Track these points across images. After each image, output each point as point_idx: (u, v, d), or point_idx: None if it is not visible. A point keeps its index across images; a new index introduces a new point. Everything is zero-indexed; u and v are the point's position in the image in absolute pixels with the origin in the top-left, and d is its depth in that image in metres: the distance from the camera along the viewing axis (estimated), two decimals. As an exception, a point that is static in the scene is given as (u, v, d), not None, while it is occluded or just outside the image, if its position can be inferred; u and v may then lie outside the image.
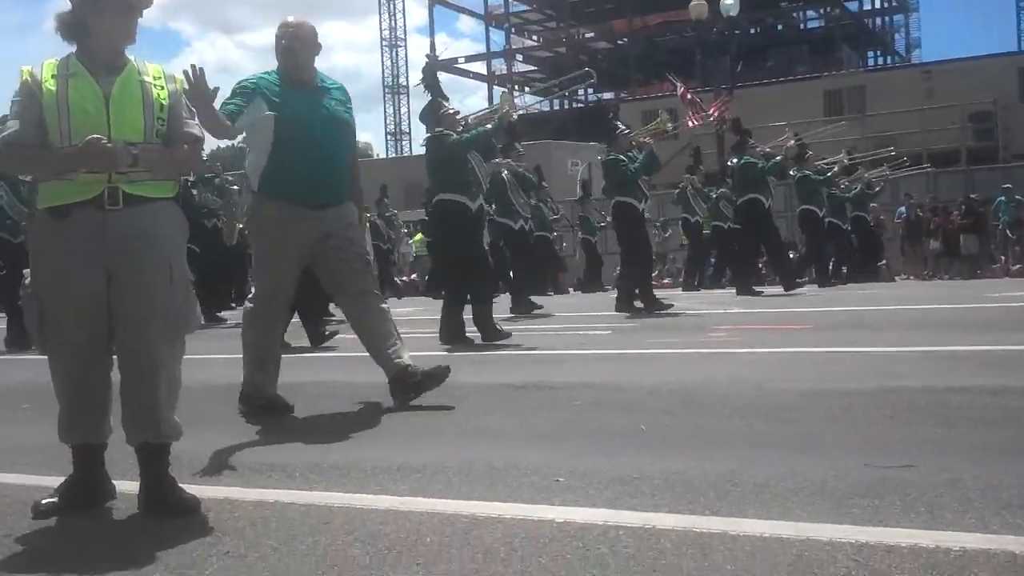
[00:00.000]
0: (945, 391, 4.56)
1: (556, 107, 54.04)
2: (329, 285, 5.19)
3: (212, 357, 7.60)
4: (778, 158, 14.33)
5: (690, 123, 22.68)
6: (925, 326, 6.56)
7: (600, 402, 4.87)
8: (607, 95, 54.22)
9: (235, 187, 12.72)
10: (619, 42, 52.70)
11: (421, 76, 8.85)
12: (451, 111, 8.41)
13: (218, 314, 12.19)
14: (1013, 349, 5.86)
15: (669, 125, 11.86)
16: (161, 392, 3.19)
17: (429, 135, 8.44)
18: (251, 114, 4.82)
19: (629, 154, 10.95)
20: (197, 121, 3.41)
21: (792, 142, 15.86)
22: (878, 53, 53.63)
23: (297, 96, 4.94)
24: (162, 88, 3.27)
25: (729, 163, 15.39)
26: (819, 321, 7.01)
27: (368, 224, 17.80)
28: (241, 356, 5.15)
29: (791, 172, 15.44)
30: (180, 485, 3.29)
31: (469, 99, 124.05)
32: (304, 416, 5.15)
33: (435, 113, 8.40)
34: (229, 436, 4.54)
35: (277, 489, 3.46)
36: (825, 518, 2.81)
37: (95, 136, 3.03)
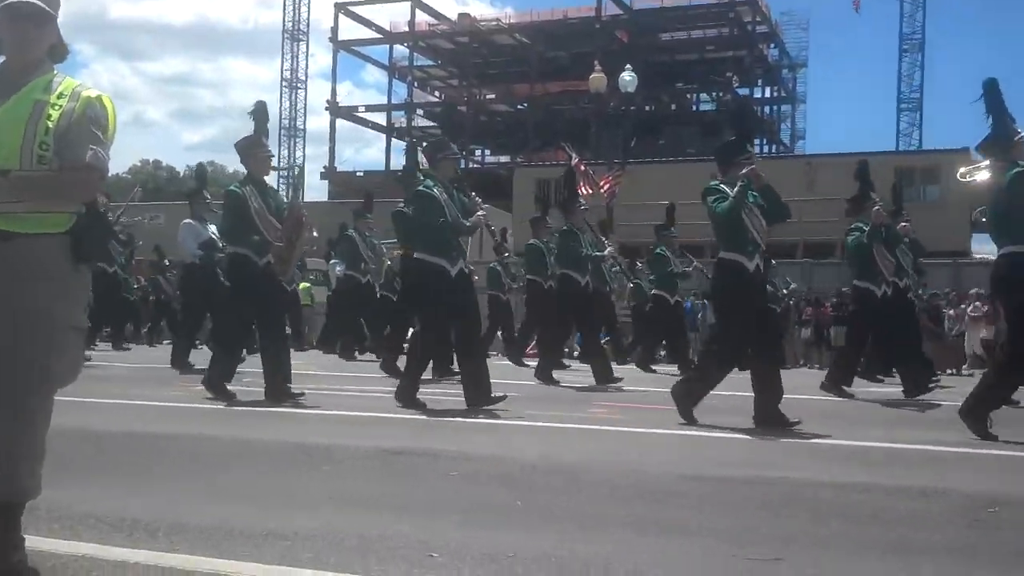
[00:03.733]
0: (816, 484, 4.67)
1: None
2: None
3: (85, 400, 7.32)
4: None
5: (580, 190, 23.24)
6: (797, 415, 6.74)
7: (478, 474, 4.84)
8: (503, 158, 54.99)
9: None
10: (519, 107, 53.62)
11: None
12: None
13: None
14: (879, 446, 6.07)
15: None
16: (13, 449, 2.92)
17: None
18: None
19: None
20: (98, 147, 3.03)
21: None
22: (764, 140, 55.85)
23: None
24: (57, 108, 2.97)
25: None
26: (701, 404, 7.16)
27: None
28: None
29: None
30: (35, 538, 3.13)
31: (367, 149, 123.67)
32: (169, 471, 4.99)
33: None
34: (92, 487, 4.36)
35: (138, 549, 3.31)
36: (694, 609, 2.84)
37: None
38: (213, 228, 11.89)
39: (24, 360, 2.89)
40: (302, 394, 8.07)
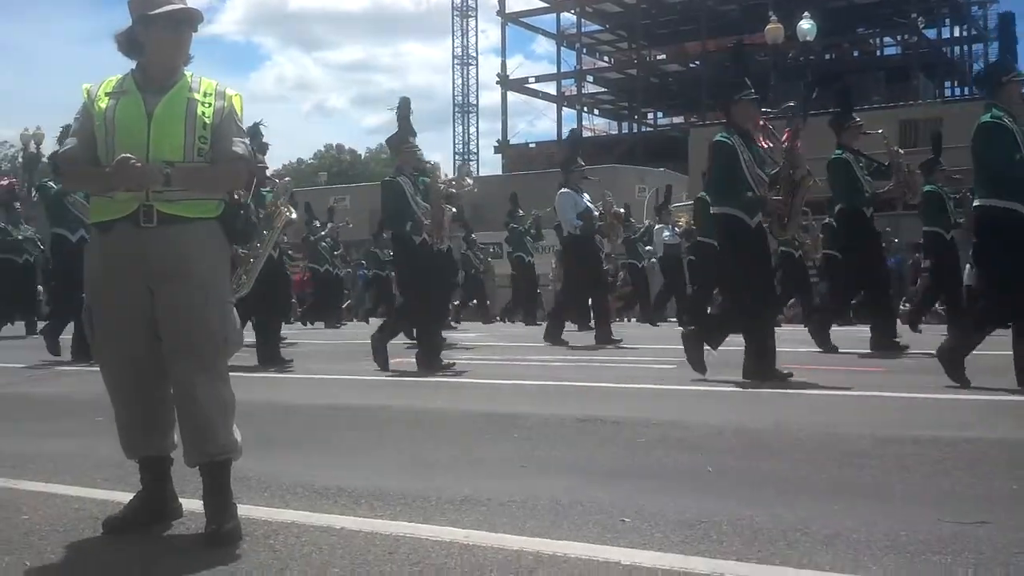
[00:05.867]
0: (1017, 443, 4.45)
1: (624, 130, 54.05)
2: None
3: (281, 376, 7.77)
4: None
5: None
6: (999, 373, 6.39)
7: (665, 440, 4.83)
8: (677, 119, 54.03)
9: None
10: (691, 65, 52.52)
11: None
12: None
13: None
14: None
15: None
16: (210, 411, 3.20)
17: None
18: None
19: None
20: (246, 140, 3.36)
21: None
22: (955, 83, 52.66)
23: None
24: (209, 106, 3.24)
25: None
26: (890, 364, 6.87)
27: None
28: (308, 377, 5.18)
29: None
30: (247, 506, 3.34)
31: (539, 121, 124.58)
32: (368, 441, 5.20)
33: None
34: (297, 458, 4.62)
35: (343, 515, 3.49)
36: (897, 574, 2.75)
37: (125, 156, 3.05)
38: (587, 196, 11.80)
39: (207, 329, 3.20)
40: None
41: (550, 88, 56.41)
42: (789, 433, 4.92)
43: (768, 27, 26.21)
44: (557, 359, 9.68)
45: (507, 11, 54.34)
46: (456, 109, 59.37)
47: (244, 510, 3.34)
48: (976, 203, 6.58)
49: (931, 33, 49.59)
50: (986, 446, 4.45)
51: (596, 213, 11.76)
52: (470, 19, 58.67)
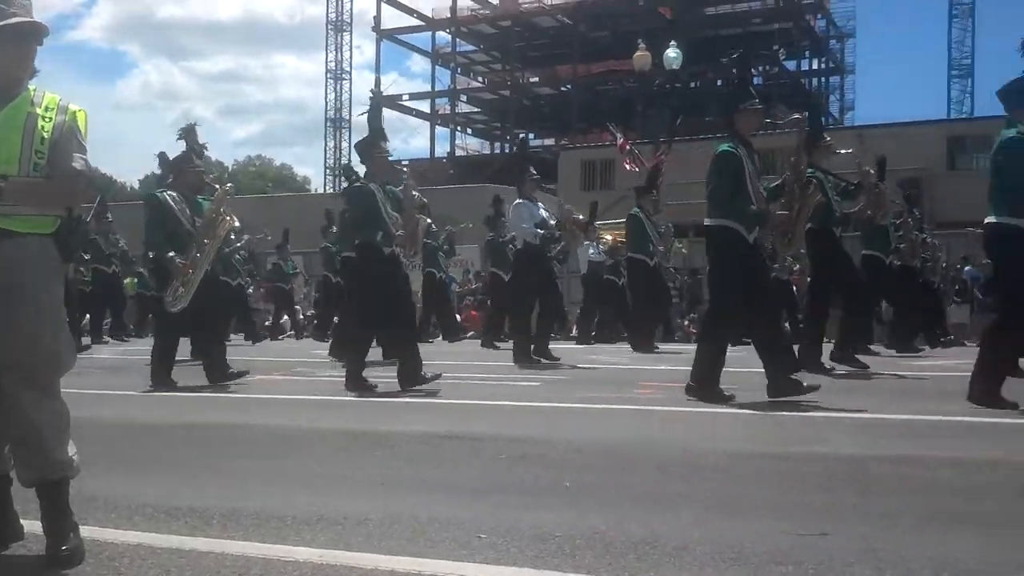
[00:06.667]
0: (866, 459, 4.65)
1: (496, 150, 54.56)
2: None
3: (129, 394, 7.48)
4: None
5: (626, 166, 23.19)
6: (851, 391, 6.68)
7: (526, 456, 4.86)
8: (548, 141, 54.81)
9: None
10: (562, 88, 53.43)
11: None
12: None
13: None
14: (935, 419, 5.99)
15: None
16: (43, 428, 3.11)
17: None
18: None
19: None
20: (85, 156, 3.26)
21: None
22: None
23: None
24: (49, 120, 3.18)
25: None
26: (744, 382, 7.12)
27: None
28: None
29: None
30: (92, 528, 3.22)
31: (414, 139, 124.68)
32: (223, 460, 5.09)
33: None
34: (148, 478, 4.48)
35: (193, 536, 3.41)
36: (739, 585, 2.85)
37: None
38: (542, 206, 11.47)
39: (39, 346, 3.11)
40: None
41: (424, 106, 56.53)
42: (645, 449, 5.03)
43: (636, 54, 26.84)
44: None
45: (382, 27, 54.26)
46: (329, 124, 58.84)
47: (89, 531, 3.24)
48: (989, 220, 6.40)
49: (791, 65, 51.71)
50: (832, 461, 4.63)
51: (553, 222, 11.56)
52: (345, 34, 58.35)
